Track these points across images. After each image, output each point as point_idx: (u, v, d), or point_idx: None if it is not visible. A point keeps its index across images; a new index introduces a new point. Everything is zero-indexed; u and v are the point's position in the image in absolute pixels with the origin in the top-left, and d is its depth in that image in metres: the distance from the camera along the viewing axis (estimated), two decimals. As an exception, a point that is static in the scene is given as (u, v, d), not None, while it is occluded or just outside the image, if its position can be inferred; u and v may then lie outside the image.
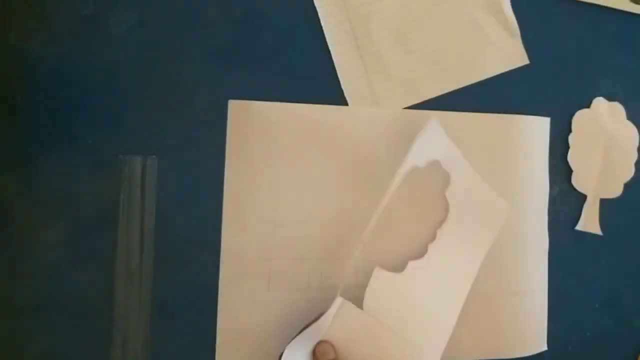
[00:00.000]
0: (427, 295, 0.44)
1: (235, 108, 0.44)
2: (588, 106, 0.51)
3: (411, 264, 0.45)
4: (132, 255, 0.42)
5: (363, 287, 0.43)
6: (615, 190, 0.51)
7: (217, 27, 0.44)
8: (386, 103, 0.47)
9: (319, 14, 0.46)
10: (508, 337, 0.48)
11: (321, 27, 0.46)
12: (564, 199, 0.50)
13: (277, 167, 0.44)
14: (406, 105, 0.47)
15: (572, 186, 0.50)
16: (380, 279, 0.44)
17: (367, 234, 0.43)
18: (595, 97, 0.51)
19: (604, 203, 0.51)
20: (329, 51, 0.46)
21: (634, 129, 0.52)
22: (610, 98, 0.51)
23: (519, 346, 0.48)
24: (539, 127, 0.49)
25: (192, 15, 0.43)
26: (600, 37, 0.51)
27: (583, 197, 0.51)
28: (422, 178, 0.45)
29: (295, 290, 0.44)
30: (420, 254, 0.45)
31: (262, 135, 0.44)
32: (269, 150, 0.44)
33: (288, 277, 0.44)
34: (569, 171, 0.50)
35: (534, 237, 0.49)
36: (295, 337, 0.40)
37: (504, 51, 0.49)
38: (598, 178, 0.51)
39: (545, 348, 0.49)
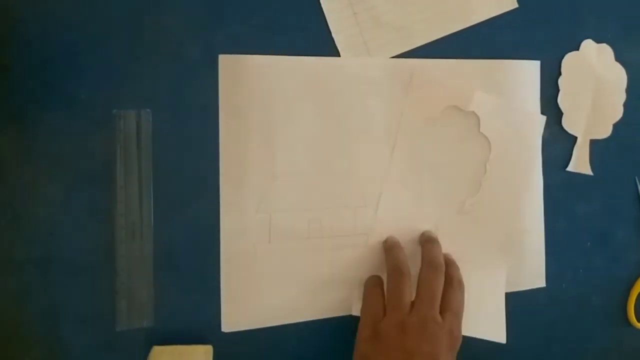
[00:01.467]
0: (483, 228, 0.49)
1: (225, 62, 0.43)
2: (577, 49, 0.51)
3: (469, 201, 0.48)
4: (131, 208, 0.42)
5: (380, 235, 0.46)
6: (604, 131, 0.52)
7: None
8: (377, 51, 0.47)
9: (308, -36, 0.45)
10: (509, 272, 0.49)
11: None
12: (555, 141, 0.51)
13: (271, 120, 0.44)
14: (398, 53, 0.47)
15: (562, 128, 0.51)
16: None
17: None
18: (584, 39, 0.52)
19: (594, 144, 0.52)
20: (318, 1, 0.45)
21: (622, 70, 0.53)
22: (599, 40, 0.52)
23: (518, 281, 0.50)
24: (529, 71, 0.50)
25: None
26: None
27: (573, 139, 0.52)
28: (451, 124, 0.48)
29: (297, 240, 0.45)
30: (475, 191, 0.48)
31: (254, 88, 0.44)
32: (262, 103, 0.44)
33: (288, 228, 0.45)
34: (560, 114, 0.51)
35: (530, 178, 0.50)
36: None
37: None
38: (587, 119, 0.52)
39: (543, 284, 0.50)
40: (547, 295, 0.51)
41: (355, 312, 0.45)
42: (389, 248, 0.45)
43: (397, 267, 0.43)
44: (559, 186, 0.51)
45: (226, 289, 0.43)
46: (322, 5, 0.46)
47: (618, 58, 0.52)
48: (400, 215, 0.47)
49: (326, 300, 0.46)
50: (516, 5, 0.50)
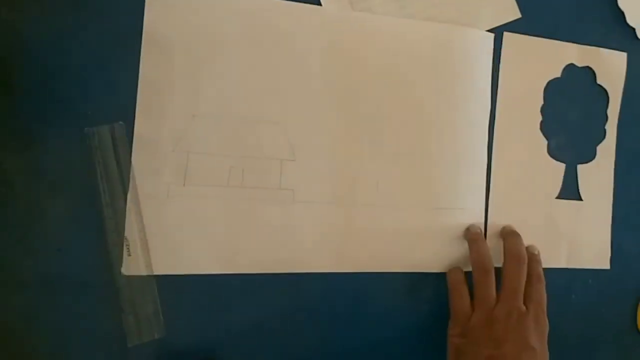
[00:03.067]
0: None
1: None
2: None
3: None
4: (120, 225, 0.40)
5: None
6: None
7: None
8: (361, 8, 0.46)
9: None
10: (443, 251, 0.47)
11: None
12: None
13: (199, 55, 0.42)
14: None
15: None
16: None
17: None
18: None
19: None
20: None
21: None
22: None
23: (454, 261, 0.48)
24: (482, 41, 0.49)
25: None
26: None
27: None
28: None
29: (214, 187, 0.42)
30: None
31: (183, 19, 0.41)
32: (191, 37, 0.42)
33: (206, 172, 0.42)
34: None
35: (475, 153, 0.48)
36: None
37: (497, 5, 0.49)
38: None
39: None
40: (556, 306, 0.50)
41: (279, 269, 0.44)
42: (473, 240, 0.46)
43: (482, 264, 0.45)
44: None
45: (130, 228, 0.41)
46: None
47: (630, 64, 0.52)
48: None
49: (240, 255, 0.43)
50: (519, 15, 0.50)
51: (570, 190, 0.51)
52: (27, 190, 0.40)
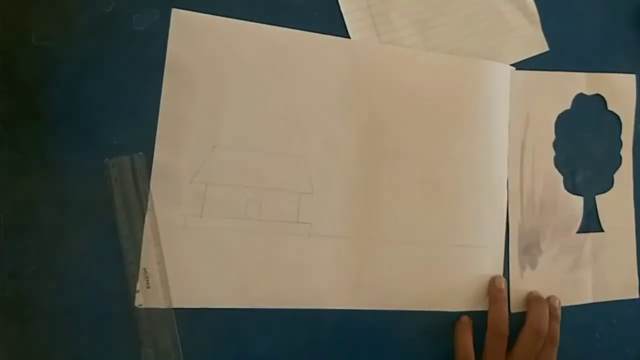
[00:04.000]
0: None
1: (178, 18, 0.42)
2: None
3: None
4: (139, 256, 0.40)
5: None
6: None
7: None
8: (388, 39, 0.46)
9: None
10: (463, 290, 0.46)
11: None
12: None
13: (221, 86, 0.42)
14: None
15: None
16: None
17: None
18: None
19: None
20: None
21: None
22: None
23: (472, 300, 0.47)
24: (500, 74, 0.48)
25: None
26: (620, 23, 0.51)
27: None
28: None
29: (231, 219, 0.42)
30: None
31: (206, 50, 0.42)
32: (214, 68, 0.42)
33: (224, 203, 0.42)
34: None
35: (494, 189, 0.48)
36: None
37: (524, 38, 0.49)
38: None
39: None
40: (579, 346, 0.49)
41: (296, 305, 0.43)
42: (494, 299, 0.46)
43: (497, 328, 0.45)
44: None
45: (149, 260, 0.40)
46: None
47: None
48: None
49: (256, 289, 0.42)
50: (547, 49, 0.49)
51: (590, 222, 0.50)
52: (50, 219, 0.40)
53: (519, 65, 0.49)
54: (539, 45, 0.49)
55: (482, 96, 0.47)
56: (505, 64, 0.48)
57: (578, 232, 0.49)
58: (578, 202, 0.50)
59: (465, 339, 0.45)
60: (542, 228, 0.49)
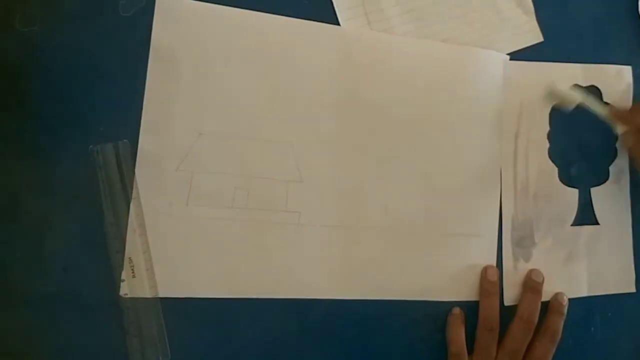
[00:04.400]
0: None
1: (163, 4, 0.41)
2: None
3: None
4: (124, 245, 0.40)
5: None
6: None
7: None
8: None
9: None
10: (453, 280, 0.46)
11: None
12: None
13: (206, 72, 0.42)
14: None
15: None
16: None
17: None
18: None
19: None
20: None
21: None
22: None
23: (462, 291, 0.46)
24: (493, 62, 0.47)
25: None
26: (615, 13, 0.51)
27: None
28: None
29: (218, 208, 0.42)
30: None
31: (191, 36, 0.42)
32: (200, 54, 0.42)
33: (211, 192, 0.41)
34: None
35: (488, 178, 0.47)
36: None
37: (518, 28, 0.48)
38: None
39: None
40: (574, 340, 0.48)
41: (283, 295, 0.43)
42: (486, 292, 0.45)
43: (488, 321, 0.44)
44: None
45: (134, 249, 0.40)
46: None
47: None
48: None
49: (243, 278, 0.42)
50: (541, 39, 0.49)
51: (585, 215, 0.49)
52: (34, 207, 0.40)
53: (513, 56, 0.48)
54: (534, 35, 0.49)
55: (475, 84, 0.47)
56: (499, 53, 0.47)
57: (572, 224, 0.49)
58: (573, 194, 0.49)
59: (458, 333, 0.44)
60: (535, 220, 0.48)
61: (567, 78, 0.49)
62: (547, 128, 0.49)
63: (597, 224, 0.49)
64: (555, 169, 0.49)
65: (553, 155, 0.49)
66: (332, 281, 0.43)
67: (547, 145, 0.49)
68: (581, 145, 0.50)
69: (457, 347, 0.44)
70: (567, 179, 0.49)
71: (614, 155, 0.50)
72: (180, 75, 0.42)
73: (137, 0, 0.41)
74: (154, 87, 0.41)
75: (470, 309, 0.46)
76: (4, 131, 0.40)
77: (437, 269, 0.45)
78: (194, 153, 0.41)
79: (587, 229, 0.49)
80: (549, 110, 0.49)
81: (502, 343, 0.44)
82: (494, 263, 0.47)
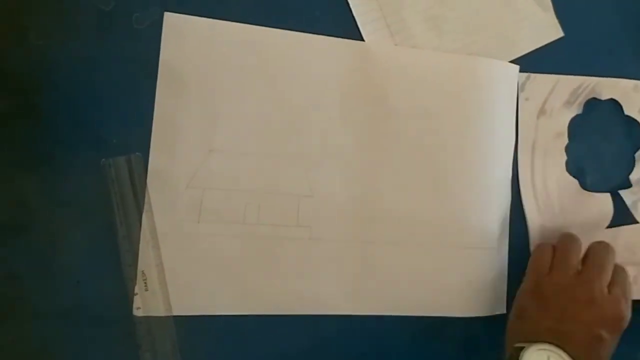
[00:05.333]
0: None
1: (170, 21, 0.41)
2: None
3: None
4: (137, 258, 0.40)
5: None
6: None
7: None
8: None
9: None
10: (466, 295, 0.45)
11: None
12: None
13: (215, 89, 0.41)
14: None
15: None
16: None
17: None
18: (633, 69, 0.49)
19: None
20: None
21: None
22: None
23: (475, 306, 0.45)
24: (507, 74, 0.47)
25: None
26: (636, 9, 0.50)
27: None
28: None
29: (229, 224, 0.41)
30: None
31: (201, 54, 0.41)
32: (208, 71, 0.41)
33: (221, 208, 0.41)
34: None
35: (497, 192, 0.46)
36: None
37: (537, 25, 0.48)
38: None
39: (504, 311, 0.46)
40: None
41: (296, 311, 0.42)
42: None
43: (569, 234, 0.43)
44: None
45: (147, 263, 0.40)
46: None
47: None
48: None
49: (256, 295, 0.42)
50: (562, 34, 0.48)
51: (621, 216, 0.48)
52: (48, 220, 0.40)
53: (535, 54, 0.47)
54: (553, 31, 0.48)
55: (487, 96, 0.46)
56: (512, 65, 0.47)
57: (607, 227, 0.48)
58: (603, 198, 0.48)
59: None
60: (565, 228, 0.47)
61: (584, 91, 0.48)
62: (566, 141, 0.48)
63: (637, 222, 0.48)
64: (575, 181, 0.48)
65: (570, 167, 0.48)
66: (343, 297, 0.43)
67: (565, 158, 0.48)
68: (601, 157, 0.49)
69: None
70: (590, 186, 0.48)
71: (632, 167, 0.49)
72: (189, 92, 0.41)
73: (150, 12, 0.41)
74: (163, 103, 0.41)
75: (484, 327, 0.45)
76: (17, 144, 0.40)
77: (451, 283, 0.44)
78: (205, 169, 0.41)
79: (628, 229, 0.48)
80: (567, 123, 0.48)
81: (585, 261, 0.42)
82: (506, 275, 0.46)
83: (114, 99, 0.41)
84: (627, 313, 0.40)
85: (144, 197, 0.40)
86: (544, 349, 0.38)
